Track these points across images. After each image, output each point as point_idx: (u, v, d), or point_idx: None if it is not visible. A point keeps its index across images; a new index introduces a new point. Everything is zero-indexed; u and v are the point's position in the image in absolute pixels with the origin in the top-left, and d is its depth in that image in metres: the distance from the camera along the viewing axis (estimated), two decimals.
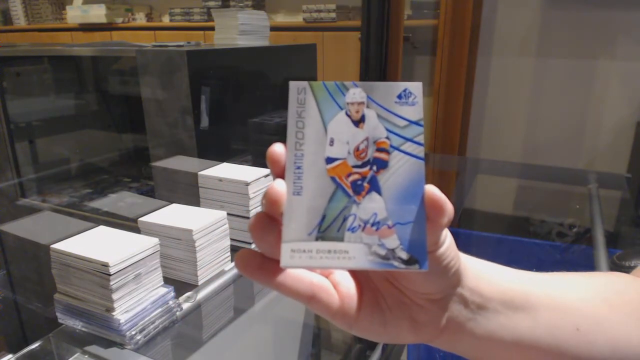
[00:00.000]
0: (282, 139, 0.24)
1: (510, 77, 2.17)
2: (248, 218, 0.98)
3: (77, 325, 0.73)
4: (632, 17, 1.88)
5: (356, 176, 0.24)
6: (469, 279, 0.29)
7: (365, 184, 0.24)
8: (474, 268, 0.30)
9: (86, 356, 0.69)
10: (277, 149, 0.24)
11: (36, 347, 0.72)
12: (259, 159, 1.40)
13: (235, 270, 0.94)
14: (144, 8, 3.69)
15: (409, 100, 0.24)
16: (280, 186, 0.23)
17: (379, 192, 0.24)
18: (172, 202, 0.93)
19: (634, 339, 0.32)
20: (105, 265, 0.67)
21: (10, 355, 0.69)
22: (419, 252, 0.24)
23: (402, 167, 0.24)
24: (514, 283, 0.32)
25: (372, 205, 0.24)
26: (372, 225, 0.24)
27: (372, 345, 1.26)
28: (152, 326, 0.73)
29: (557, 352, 0.31)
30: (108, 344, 0.70)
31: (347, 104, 0.24)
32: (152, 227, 0.85)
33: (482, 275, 0.30)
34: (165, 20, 3.62)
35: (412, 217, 0.24)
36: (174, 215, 0.88)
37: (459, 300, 0.29)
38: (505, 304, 0.31)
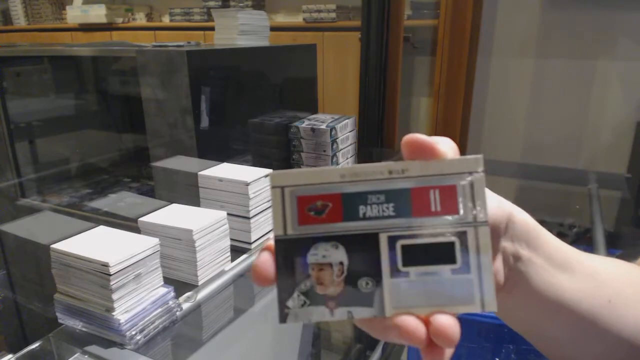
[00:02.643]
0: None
1: (510, 77, 2.16)
2: (248, 218, 0.98)
3: (77, 325, 0.73)
4: (632, 17, 1.88)
5: None
6: (516, 227, 0.29)
7: None
8: (519, 216, 0.30)
9: (86, 356, 0.69)
10: None
11: (36, 347, 0.72)
12: (259, 159, 1.40)
13: (235, 270, 0.93)
14: (144, 8, 3.69)
15: None
16: None
17: None
18: (172, 202, 0.93)
19: None
20: (105, 265, 0.67)
21: (10, 355, 0.69)
22: None
23: None
24: (557, 242, 0.31)
25: None
26: None
27: (372, 345, 1.26)
28: (152, 326, 0.73)
29: (591, 319, 0.31)
30: (108, 344, 0.70)
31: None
32: (152, 227, 0.85)
33: (529, 224, 0.30)
34: (165, 20, 3.62)
35: None
36: (174, 215, 0.88)
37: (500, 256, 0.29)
38: (550, 260, 0.30)
